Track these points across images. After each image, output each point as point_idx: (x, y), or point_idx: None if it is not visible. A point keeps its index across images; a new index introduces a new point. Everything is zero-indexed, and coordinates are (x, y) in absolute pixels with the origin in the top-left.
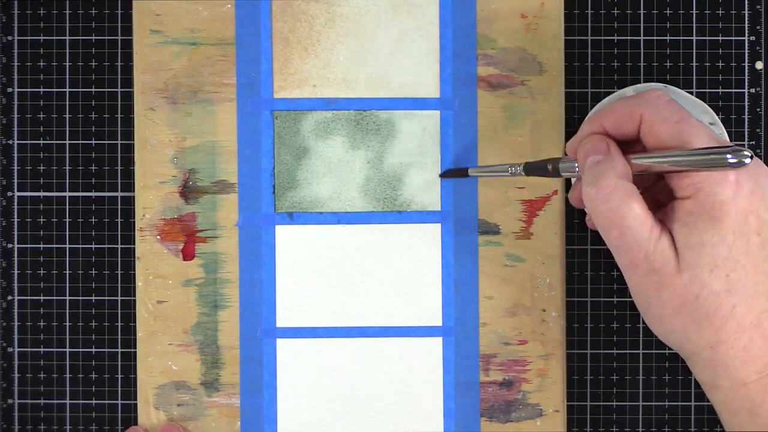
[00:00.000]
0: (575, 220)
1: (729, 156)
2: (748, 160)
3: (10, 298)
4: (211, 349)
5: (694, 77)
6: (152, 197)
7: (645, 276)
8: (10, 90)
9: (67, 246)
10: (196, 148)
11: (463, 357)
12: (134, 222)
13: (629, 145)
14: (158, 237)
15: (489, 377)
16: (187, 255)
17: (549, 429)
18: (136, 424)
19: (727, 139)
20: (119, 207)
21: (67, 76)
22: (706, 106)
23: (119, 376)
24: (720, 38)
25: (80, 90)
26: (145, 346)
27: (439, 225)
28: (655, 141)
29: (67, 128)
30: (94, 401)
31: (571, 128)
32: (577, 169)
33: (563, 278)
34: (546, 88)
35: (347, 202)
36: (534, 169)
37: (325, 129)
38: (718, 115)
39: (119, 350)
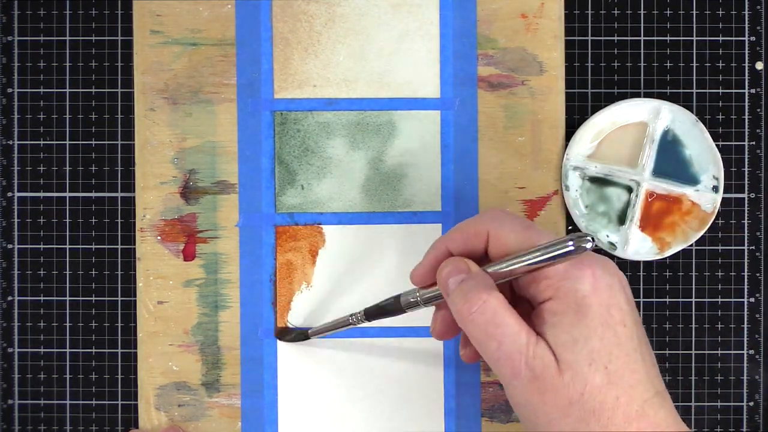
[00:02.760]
0: (575, 219)
1: (570, 243)
2: (588, 245)
3: (10, 298)
4: (211, 349)
5: (694, 77)
6: (153, 198)
7: (528, 384)
8: (10, 90)
9: (67, 246)
10: (197, 149)
11: None
12: (134, 222)
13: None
14: (159, 237)
15: (490, 377)
16: (188, 255)
17: None
18: (136, 425)
19: (718, 198)
20: (119, 207)
21: (67, 77)
22: (718, 155)
23: (119, 376)
24: (720, 38)
25: (80, 90)
26: (146, 347)
27: (439, 225)
28: (504, 251)
29: (67, 128)
30: (94, 402)
31: (571, 129)
32: (420, 299)
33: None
34: (546, 88)
35: (347, 202)
36: (375, 313)
37: (326, 129)
38: (717, 114)
39: (119, 351)
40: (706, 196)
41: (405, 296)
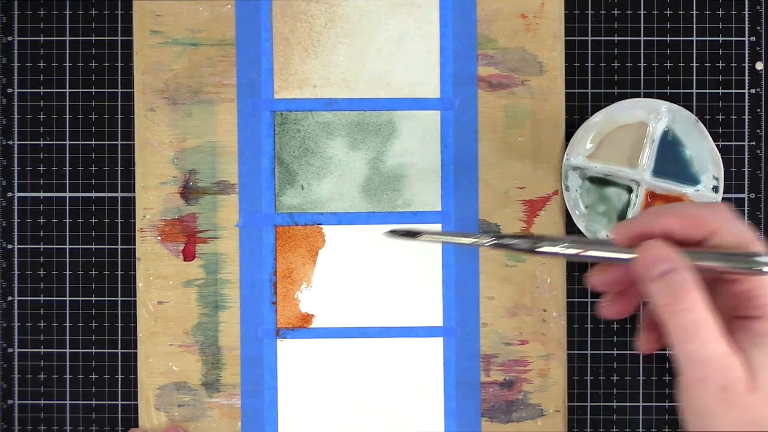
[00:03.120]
0: (575, 219)
1: None
2: None
3: (10, 298)
4: (211, 349)
5: (694, 77)
6: (153, 198)
7: (715, 393)
8: (10, 90)
9: (67, 246)
10: (197, 149)
11: (464, 357)
12: (134, 222)
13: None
14: (159, 238)
15: (490, 377)
16: (188, 255)
17: (550, 429)
18: (136, 424)
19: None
20: (119, 207)
21: (67, 77)
22: (718, 155)
23: (119, 376)
24: (720, 38)
25: (80, 90)
26: (146, 347)
27: (439, 225)
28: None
29: (67, 129)
30: (94, 402)
31: (571, 129)
32: (565, 250)
33: (564, 278)
34: (546, 88)
35: (348, 202)
36: (505, 246)
37: (326, 129)
38: (717, 114)
39: (119, 351)
40: (706, 197)
41: (547, 245)
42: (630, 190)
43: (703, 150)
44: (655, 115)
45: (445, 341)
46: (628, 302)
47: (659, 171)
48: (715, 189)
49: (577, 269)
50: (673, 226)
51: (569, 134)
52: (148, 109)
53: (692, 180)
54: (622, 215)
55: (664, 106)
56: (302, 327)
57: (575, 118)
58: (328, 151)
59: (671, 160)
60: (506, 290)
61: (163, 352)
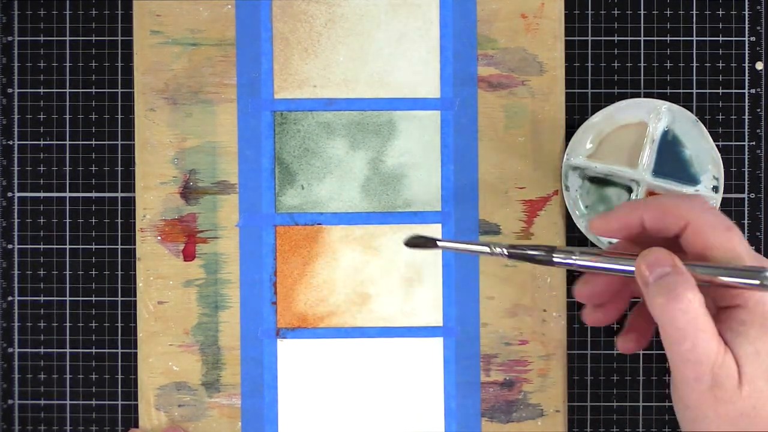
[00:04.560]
0: (575, 219)
1: None
2: None
3: (10, 298)
4: (211, 349)
5: (694, 77)
6: (153, 198)
7: (707, 391)
8: (10, 90)
9: (68, 246)
10: (197, 149)
11: (464, 357)
12: (134, 222)
13: (654, 245)
14: (159, 237)
15: (490, 377)
16: (188, 255)
17: (550, 429)
18: (136, 424)
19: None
20: (119, 207)
21: (67, 77)
22: (718, 155)
23: (119, 376)
24: (720, 38)
25: (80, 90)
26: (146, 347)
27: (439, 225)
28: (702, 247)
29: (67, 129)
30: (94, 402)
31: (571, 129)
32: (575, 261)
33: (564, 278)
34: (546, 88)
35: (348, 202)
36: (520, 256)
37: (326, 129)
38: (717, 114)
39: (119, 351)
40: (706, 196)
41: (560, 254)
42: (630, 190)
43: (703, 150)
44: (655, 115)
45: (445, 341)
46: (613, 310)
47: (659, 171)
48: (715, 189)
49: (576, 270)
50: (648, 218)
51: (569, 134)
52: (148, 109)
53: (692, 180)
54: None
55: (664, 106)
56: (302, 327)
57: (575, 118)
58: (328, 151)
59: (671, 160)
60: (506, 290)
61: (163, 352)
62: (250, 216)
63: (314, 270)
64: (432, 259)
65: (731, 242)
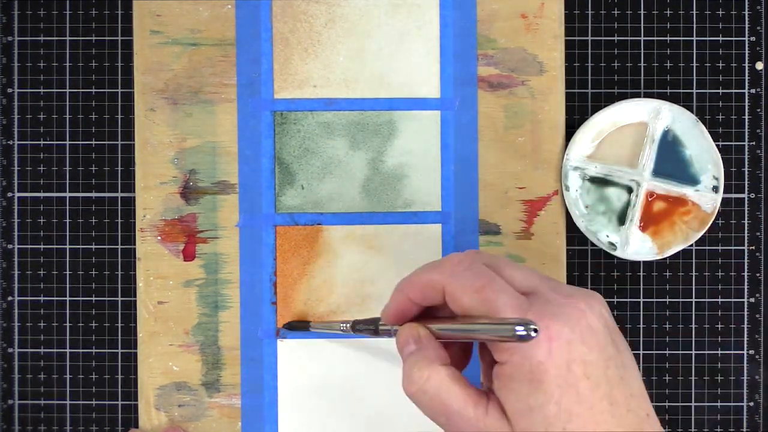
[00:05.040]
0: (575, 219)
1: (517, 329)
2: (534, 333)
3: (10, 298)
4: (211, 349)
5: (694, 77)
6: (153, 198)
7: None
8: (10, 90)
9: (68, 246)
10: (197, 149)
11: None
12: (134, 222)
13: (443, 308)
14: (159, 238)
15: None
16: (188, 255)
17: None
18: (136, 424)
19: (718, 199)
20: (119, 207)
21: (67, 77)
22: (718, 155)
23: (119, 376)
24: (720, 38)
25: (80, 90)
26: (146, 347)
27: (439, 225)
28: (460, 310)
29: (67, 129)
30: (94, 402)
31: (571, 129)
32: (394, 333)
33: (564, 278)
34: (546, 88)
35: (348, 202)
36: (359, 329)
37: (326, 129)
38: (717, 114)
39: (119, 351)
40: (706, 196)
41: (383, 326)
42: (630, 190)
43: (703, 150)
44: (655, 115)
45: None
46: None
47: (659, 171)
48: (715, 189)
49: (576, 269)
50: (413, 296)
51: (569, 134)
52: (148, 109)
53: (692, 180)
54: (621, 215)
55: (664, 106)
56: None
57: (575, 118)
58: (328, 151)
59: (671, 160)
60: None
61: (163, 352)
62: (250, 216)
63: (314, 270)
64: (432, 258)
65: (484, 303)
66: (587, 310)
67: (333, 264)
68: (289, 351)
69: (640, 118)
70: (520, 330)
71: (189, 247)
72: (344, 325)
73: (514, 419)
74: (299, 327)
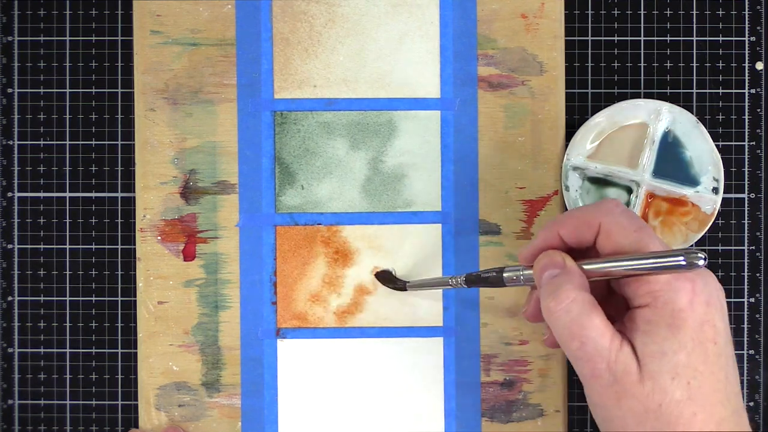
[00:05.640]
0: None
1: (682, 258)
2: (701, 262)
3: (10, 298)
4: (212, 349)
5: (694, 77)
6: (153, 198)
7: (607, 387)
8: (10, 90)
9: (68, 246)
10: (197, 149)
11: (464, 357)
12: (134, 222)
13: (582, 255)
14: (159, 238)
15: (490, 377)
16: (188, 255)
17: (550, 429)
18: (136, 424)
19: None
20: (119, 208)
21: (67, 77)
22: (719, 157)
23: (119, 376)
24: (720, 39)
25: (80, 90)
26: (146, 347)
27: (439, 225)
28: (613, 249)
29: (67, 129)
30: (94, 402)
31: (571, 129)
32: (522, 277)
33: None
34: (546, 88)
35: (348, 202)
36: (475, 281)
37: (326, 129)
38: (717, 115)
39: (119, 351)
40: (705, 198)
41: (509, 272)
42: (630, 191)
43: (703, 151)
44: (655, 116)
45: (445, 341)
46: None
47: (659, 172)
48: (715, 190)
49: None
50: (564, 233)
51: (569, 134)
52: (148, 109)
53: (692, 181)
54: None
55: (664, 107)
56: (302, 327)
57: (575, 118)
58: (329, 151)
59: (671, 161)
60: (506, 290)
61: (164, 352)
62: (250, 216)
63: (314, 270)
64: (432, 259)
65: (640, 242)
66: (716, 285)
67: (333, 264)
68: (289, 351)
69: (641, 119)
70: (683, 260)
71: (189, 247)
72: (454, 279)
73: (644, 361)
74: (392, 281)
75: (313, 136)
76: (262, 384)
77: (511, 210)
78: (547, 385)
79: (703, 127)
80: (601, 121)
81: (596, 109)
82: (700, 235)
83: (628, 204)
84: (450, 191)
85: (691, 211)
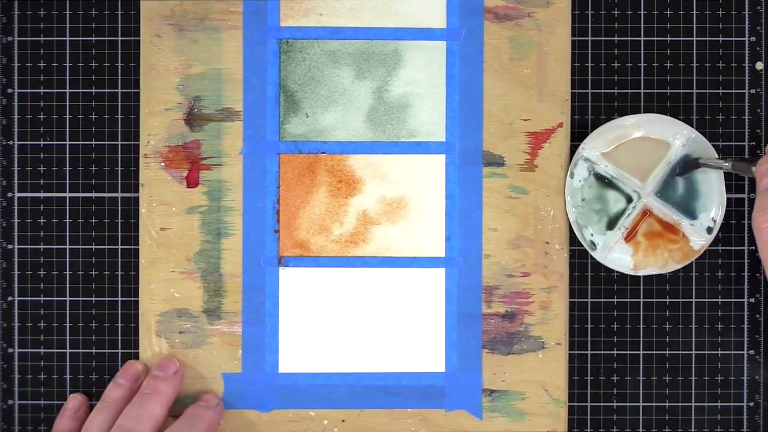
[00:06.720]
0: (567, 206)
1: None
2: None
3: (10, 298)
4: (213, 276)
5: (694, 77)
6: (157, 124)
7: None
8: (10, 90)
9: (68, 246)
10: (202, 76)
11: (466, 288)
12: (135, 223)
13: None
14: (162, 164)
15: (491, 309)
16: (191, 182)
17: (551, 362)
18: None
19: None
20: (119, 207)
21: (67, 77)
22: (725, 201)
23: None
24: (720, 39)
25: (80, 90)
26: (148, 273)
27: (443, 156)
28: None
29: (67, 129)
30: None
31: (571, 129)
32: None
33: (562, 213)
34: (553, 20)
35: (352, 131)
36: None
37: (331, 58)
38: (718, 115)
39: (119, 351)
40: (698, 233)
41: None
42: (630, 200)
43: (713, 190)
44: (681, 140)
45: (447, 272)
46: None
47: (663, 193)
48: (710, 230)
49: (577, 269)
50: None
51: (574, 69)
52: (154, 35)
53: (691, 214)
54: (613, 220)
55: (692, 134)
56: (304, 255)
57: (575, 118)
58: (334, 80)
59: (680, 188)
60: (509, 222)
61: (165, 279)
62: (254, 143)
63: (317, 198)
64: (435, 189)
65: None
66: None
67: (336, 193)
68: (291, 279)
69: (665, 138)
70: None
71: (192, 173)
72: (727, 163)
73: None
74: (690, 166)
75: (319, 65)
76: (264, 312)
77: (515, 142)
78: (548, 317)
79: (722, 167)
80: (629, 124)
81: (596, 110)
82: (679, 267)
83: (623, 212)
84: (454, 122)
85: (679, 240)
